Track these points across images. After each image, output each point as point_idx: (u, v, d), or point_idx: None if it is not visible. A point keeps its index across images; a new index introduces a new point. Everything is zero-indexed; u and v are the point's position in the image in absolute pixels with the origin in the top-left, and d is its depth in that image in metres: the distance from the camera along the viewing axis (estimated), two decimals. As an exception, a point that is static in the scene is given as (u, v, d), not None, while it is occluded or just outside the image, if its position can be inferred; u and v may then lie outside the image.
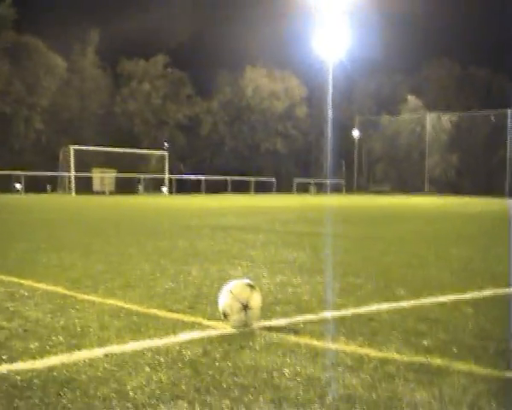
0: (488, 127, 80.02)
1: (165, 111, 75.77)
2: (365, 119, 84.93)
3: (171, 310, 5.11)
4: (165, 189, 61.11)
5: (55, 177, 57.29)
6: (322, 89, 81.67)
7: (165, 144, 67.29)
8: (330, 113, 79.56)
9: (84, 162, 55.98)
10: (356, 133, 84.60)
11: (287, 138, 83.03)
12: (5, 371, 3.44)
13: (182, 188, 64.58)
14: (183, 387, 3.23)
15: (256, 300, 4.48)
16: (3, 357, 3.71)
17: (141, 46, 73.21)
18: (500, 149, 76.98)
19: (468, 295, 5.98)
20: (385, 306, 5.42)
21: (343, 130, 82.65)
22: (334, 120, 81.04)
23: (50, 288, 6.09)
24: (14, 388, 3.19)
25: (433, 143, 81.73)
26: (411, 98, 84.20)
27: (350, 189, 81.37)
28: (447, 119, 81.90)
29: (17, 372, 3.42)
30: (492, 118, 79.08)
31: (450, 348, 4.07)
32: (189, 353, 3.86)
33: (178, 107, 76.48)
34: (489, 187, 70.21)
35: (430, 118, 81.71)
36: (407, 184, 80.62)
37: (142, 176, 64.01)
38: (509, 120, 75.28)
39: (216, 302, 4.69)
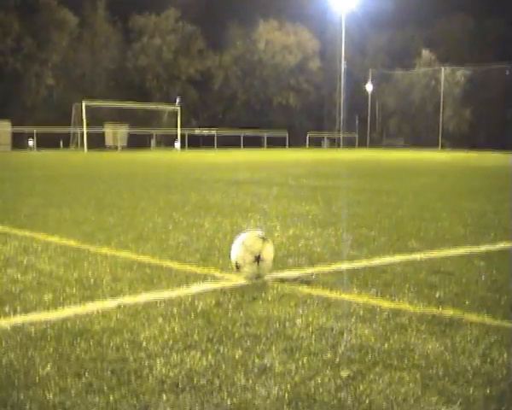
0: (503, 81, 79.11)
1: (177, 66, 75.23)
2: (378, 72, 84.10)
3: (183, 262, 5.13)
4: (177, 144, 60.94)
5: (68, 133, 57.21)
6: (334, 42, 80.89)
7: (178, 99, 66.92)
8: (343, 66, 78.93)
9: (96, 118, 55.77)
10: (369, 87, 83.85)
11: (299, 92, 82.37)
12: (20, 323, 3.47)
13: (194, 143, 64.38)
14: (196, 337, 3.25)
15: (268, 251, 4.48)
16: (18, 309, 3.74)
17: (152, 0, 72.51)
18: (515, 103, 76.23)
19: (480, 249, 5.97)
20: (398, 258, 5.42)
21: (356, 84, 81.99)
22: (347, 74, 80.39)
23: (63, 241, 6.12)
24: (28, 339, 3.21)
25: (447, 98, 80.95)
26: (425, 52, 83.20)
27: (363, 143, 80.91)
28: (461, 72, 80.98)
29: (31, 323, 3.45)
30: (507, 71, 78.14)
31: (463, 299, 4.07)
32: (201, 304, 3.88)
33: (190, 61, 75.90)
34: (503, 141, 69.60)
35: (444, 72, 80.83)
36: (420, 139, 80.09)
37: (154, 131, 63.87)
38: (524, 74, 74.36)
39: (228, 255, 4.70)
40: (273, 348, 3.10)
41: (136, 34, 73.45)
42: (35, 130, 52.93)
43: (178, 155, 42.97)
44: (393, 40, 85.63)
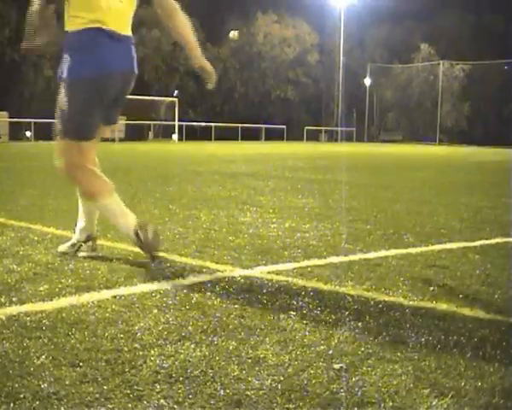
0: (501, 77, 79.20)
1: (176, 58, 75.10)
2: (377, 67, 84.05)
3: (179, 254, 5.14)
4: (174, 136, 60.86)
5: (65, 124, 56.86)
6: (333, 36, 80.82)
7: (176, 92, 66.88)
8: (342, 60, 78.87)
9: (93, 109, 55.57)
10: (367, 81, 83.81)
11: (298, 86, 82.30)
12: (15, 313, 3.48)
13: (192, 135, 64.32)
14: (190, 328, 3.27)
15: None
16: (13, 299, 3.75)
17: (150, -9, 72.21)
18: (513, 99, 76.38)
19: (476, 243, 5.99)
20: (393, 252, 5.44)
21: (354, 78, 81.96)
22: (346, 68, 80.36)
23: (60, 232, 6.13)
24: (23, 328, 3.22)
25: (446, 93, 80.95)
26: (424, 46, 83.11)
27: (361, 137, 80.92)
28: (460, 68, 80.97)
29: (27, 314, 3.46)
30: (506, 67, 78.25)
31: (457, 294, 4.09)
32: (196, 295, 3.90)
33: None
34: (501, 137, 69.60)
35: (443, 67, 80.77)
36: (418, 133, 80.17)
37: (151, 123, 63.75)
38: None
39: (224, 247, 4.72)
40: (267, 340, 3.12)
41: (134, 26, 73.18)
42: (33, 121, 52.76)
43: (176, 146, 42.94)
44: (392, 34, 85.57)
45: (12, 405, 2.38)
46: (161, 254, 5.07)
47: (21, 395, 2.46)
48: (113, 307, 3.62)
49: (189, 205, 8.43)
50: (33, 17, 4.70)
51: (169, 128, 63.17)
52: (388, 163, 23.91)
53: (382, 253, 5.39)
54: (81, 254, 4.89)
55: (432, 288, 4.21)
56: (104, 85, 4.61)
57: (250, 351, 2.97)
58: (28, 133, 53.98)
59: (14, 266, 4.57)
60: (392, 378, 2.70)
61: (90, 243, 4.98)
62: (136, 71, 4.85)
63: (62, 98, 4.64)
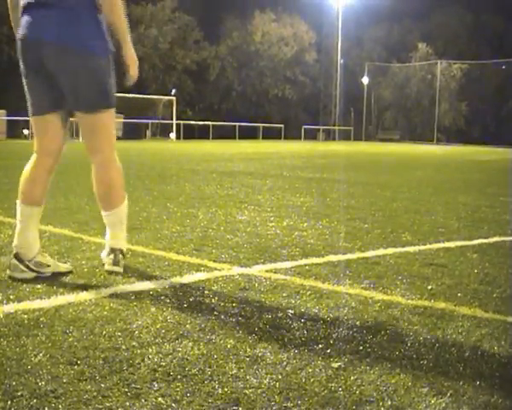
0: (499, 77, 79.25)
1: (173, 56, 75.11)
2: (375, 66, 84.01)
3: (177, 252, 5.14)
4: (172, 134, 60.77)
5: (63, 122, 56.68)
6: (331, 34, 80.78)
7: (173, 91, 66.89)
8: (339, 59, 78.86)
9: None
10: (365, 80, 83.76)
11: (295, 84, 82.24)
12: (12, 311, 3.47)
13: (189, 133, 64.23)
14: (188, 326, 3.26)
15: None
16: (11, 297, 3.74)
17: (149, -10, 72.30)
18: (510, 98, 76.39)
19: (474, 242, 5.99)
20: (391, 251, 5.44)
21: (352, 76, 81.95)
22: (344, 67, 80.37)
23: (57, 230, 6.12)
24: (21, 326, 3.21)
25: (444, 92, 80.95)
26: (422, 46, 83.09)
27: (358, 136, 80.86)
28: (457, 67, 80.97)
29: (24, 311, 3.45)
30: (503, 67, 78.33)
31: (455, 292, 4.09)
32: (194, 294, 3.89)
33: (186, 52, 75.77)
34: (498, 136, 69.63)
35: (440, 66, 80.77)
36: (416, 133, 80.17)
37: (149, 121, 63.65)
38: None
39: (222, 245, 4.71)
40: (265, 339, 3.11)
41: (132, 24, 72.77)
42: (30, 119, 52.58)
43: (173, 145, 42.89)
44: (390, 33, 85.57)
45: (9, 403, 2.37)
46: (160, 252, 5.07)
47: (19, 393, 2.45)
48: (111, 305, 3.61)
49: (187, 203, 8.43)
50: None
51: (167, 126, 63.09)
52: (386, 162, 23.92)
53: (380, 251, 5.39)
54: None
55: (430, 286, 4.20)
56: (20, 53, 4.24)
57: (248, 349, 2.96)
58: (26, 131, 53.84)
59: (12, 264, 4.55)
60: (391, 377, 2.69)
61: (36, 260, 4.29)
62: (59, 40, 4.09)
63: None
